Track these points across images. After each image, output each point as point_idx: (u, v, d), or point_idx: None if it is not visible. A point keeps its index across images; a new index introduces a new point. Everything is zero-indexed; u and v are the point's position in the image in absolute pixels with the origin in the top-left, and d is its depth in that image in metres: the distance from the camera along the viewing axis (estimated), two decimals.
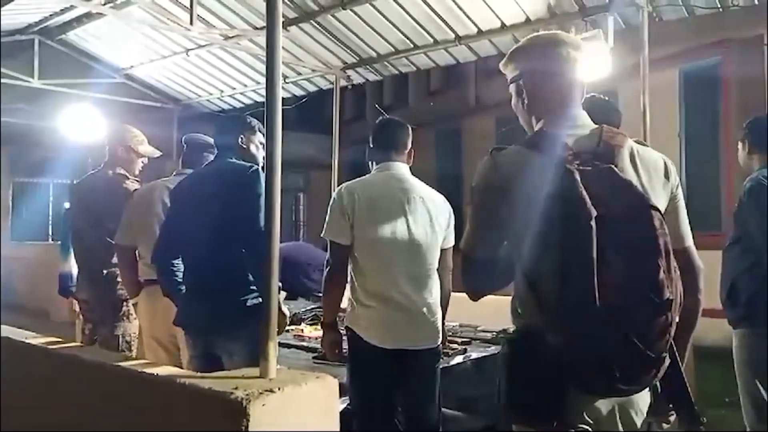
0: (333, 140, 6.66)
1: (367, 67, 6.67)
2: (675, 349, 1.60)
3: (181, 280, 2.86)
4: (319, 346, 3.31)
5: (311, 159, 11.85)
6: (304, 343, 3.75)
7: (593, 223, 1.43)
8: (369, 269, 2.77)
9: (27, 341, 2.52)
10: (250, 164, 2.78)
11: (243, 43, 6.65)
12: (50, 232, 12.10)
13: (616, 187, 1.51)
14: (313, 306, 4.75)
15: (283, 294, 2.66)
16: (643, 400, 1.64)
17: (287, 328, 3.34)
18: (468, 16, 5.47)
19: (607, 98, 2.62)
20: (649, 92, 4.54)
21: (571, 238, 1.45)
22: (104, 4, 5.83)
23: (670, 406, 1.70)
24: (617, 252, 1.44)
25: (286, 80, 7.13)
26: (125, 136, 3.82)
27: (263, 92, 1.89)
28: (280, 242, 1.89)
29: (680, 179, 1.75)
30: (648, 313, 1.45)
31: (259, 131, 2.90)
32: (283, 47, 2.39)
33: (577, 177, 1.48)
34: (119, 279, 3.59)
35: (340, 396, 2.08)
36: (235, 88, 7.88)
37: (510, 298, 1.71)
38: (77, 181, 4.15)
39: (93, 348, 3.35)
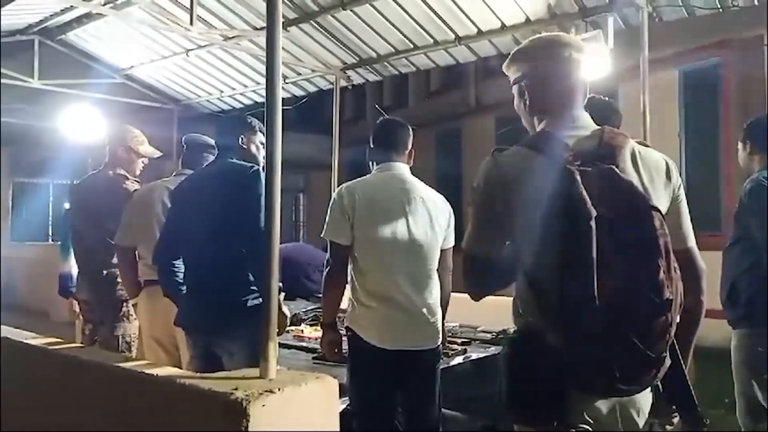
0: (333, 140, 6.66)
1: (367, 67, 6.67)
2: (678, 350, 1.61)
3: (181, 281, 2.86)
4: (318, 346, 3.31)
5: (311, 159, 11.85)
6: (304, 344, 3.75)
7: (593, 223, 1.43)
8: (369, 269, 2.77)
9: (27, 341, 2.52)
10: (250, 164, 2.78)
11: (243, 43, 6.66)
12: (50, 233, 12.11)
13: (617, 187, 1.51)
14: (313, 306, 4.75)
15: (282, 295, 2.66)
16: (644, 400, 1.64)
17: (287, 328, 3.34)
18: (468, 17, 5.47)
19: (607, 99, 2.62)
20: (649, 93, 4.55)
21: (571, 238, 1.46)
22: (104, 5, 5.83)
23: (673, 407, 1.71)
24: (617, 252, 1.45)
25: (286, 80, 7.13)
26: (125, 136, 3.82)
27: (263, 93, 1.89)
28: (280, 243, 1.89)
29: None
30: (648, 313, 1.46)
31: (260, 131, 2.90)
32: (283, 48, 2.39)
33: (578, 177, 1.49)
34: (119, 279, 3.59)
35: (340, 396, 2.08)
36: (235, 89, 7.89)
37: (510, 299, 1.71)
38: (77, 182, 4.15)
39: (93, 348, 3.35)
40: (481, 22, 5.52)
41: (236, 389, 1.62)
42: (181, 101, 8.57)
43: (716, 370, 3.11)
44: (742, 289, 2.96)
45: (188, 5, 5.69)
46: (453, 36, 5.76)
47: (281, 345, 2.90)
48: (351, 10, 5.68)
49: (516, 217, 1.60)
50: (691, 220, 1.74)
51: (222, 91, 8.03)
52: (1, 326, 2.68)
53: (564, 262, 1.47)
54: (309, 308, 4.74)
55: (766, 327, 2.86)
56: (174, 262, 2.88)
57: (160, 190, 3.47)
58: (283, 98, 1.96)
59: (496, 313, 3.05)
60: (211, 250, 2.69)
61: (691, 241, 1.71)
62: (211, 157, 3.42)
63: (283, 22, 3.60)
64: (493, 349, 3.60)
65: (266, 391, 1.63)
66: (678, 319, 1.51)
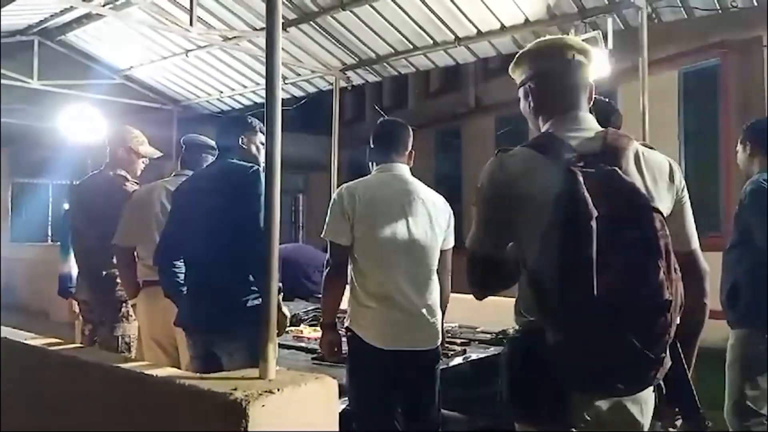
0: (332, 141, 6.66)
1: (367, 68, 6.68)
2: (681, 352, 1.62)
3: (182, 281, 2.86)
4: (318, 347, 3.31)
5: (311, 160, 11.85)
6: (304, 344, 3.75)
7: (593, 223, 1.44)
8: (369, 270, 2.77)
9: (27, 342, 2.51)
10: (250, 164, 2.78)
11: (242, 44, 6.66)
12: (49, 233, 12.10)
13: (619, 188, 1.52)
14: (312, 307, 4.75)
15: (280, 295, 2.67)
16: (646, 400, 1.64)
17: (287, 329, 3.34)
18: (467, 17, 5.48)
19: (607, 100, 2.62)
20: (648, 93, 4.55)
21: (571, 238, 1.47)
22: (104, 5, 5.83)
23: (676, 409, 1.71)
24: (617, 252, 1.46)
25: (286, 81, 7.14)
26: (125, 137, 3.82)
27: (263, 93, 1.89)
28: (280, 243, 1.89)
29: None
30: (647, 313, 1.47)
31: (261, 132, 2.90)
32: (282, 48, 2.39)
33: (580, 178, 1.50)
34: (119, 280, 3.59)
35: (340, 397, 2.08)
36: (234, 89, 7.89)
37: (510, 299, 1.72)
38: (77, 182, 4.15)
39: (92, 349, 3.35)
40: (481, 22, 5.52)
41: (236, 389, 1.62)
42: (181, 102, 8.57)
43: (716, 371, 3.11)
44: (742, 290, 2.97)
45: (188, 6, 5.69)
46: (452, 37, 5.76)
47: (281, 345, 2.90)
48: (350, 11, 5.69)
49: (519, 217, 1.62)
50: None
51: (221, 92, 8.03)
52: (1, 327, 2.68)
53: (564, 261, 1.48)
54: (309, 309, 4.74)
55: (765, 327, 2.88)
56: (175, 262, 2.88)
57: (159, 190, 3.48)
58: (282, 99, 1.96)
59: (496, 313, 3.06)
60: (211, 251, 2.69)
61: (695, 244, 1.72)
62: (210, 158, 3.43)
63: (282, 23, 3.60)
64: (492, 350, 3.60)
65: (266, 391, 1.62)
66: (678, 320, 1.52)
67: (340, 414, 1.92)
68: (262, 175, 1.98)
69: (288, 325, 3.00)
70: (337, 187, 2.95)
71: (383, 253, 2.75)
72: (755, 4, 4.73)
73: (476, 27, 5.59)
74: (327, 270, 2.81)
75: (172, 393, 1.80)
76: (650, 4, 4.76)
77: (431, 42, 5.94)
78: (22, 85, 7.36)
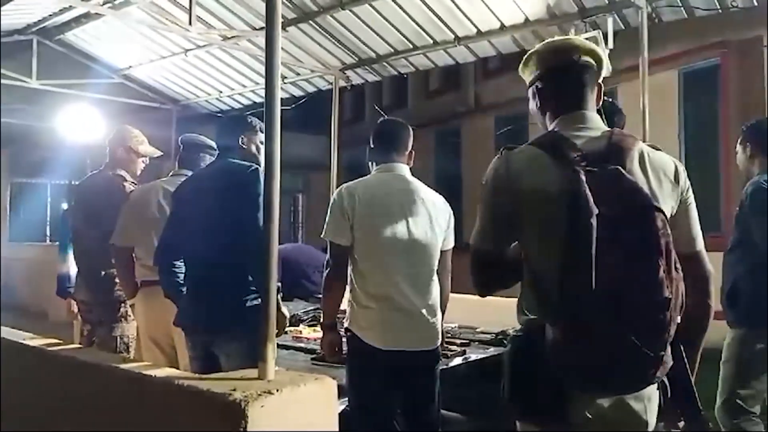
0: (332, 141, 6.66)
1: (366, 67, 6.67)
2: (685, 353, 1.62)
3: (182, 281, 2.85)
4: (317, 347, 3.31)
5: (310, 160, 11.85)
6: (303, 345, 3.74)
7: (593, 220, 1.46)
8: (369, 270, 2.76)
9: (25, 342, 2.51)
10: (250, 164, 2.77)
11: (242, 43, 6.66)
12: (48, 233, 12.09)
13: (621, 187, 1.53)
14: (312, 307, 4.75)
15: (279, 295, 2.66)
16: (650, 397, 1.64)
17: (286, 329, 3.33)
18: (467, 17, 5.47)
19: (610, 100, 2.62)
20: (648, 93, 4.55)
21: (572, 236, 1.48)
22: (103, 5, 5.83)
23: (679, 411, 1.72)
24: (618, 250, 1.47)
25: (285, 81, 7.13)
26: (125, 136, 3.82)
27: (262, 93, 1.89)
28: (279, 243, 1.88)
29: None
30: (646, 311, 1.48)
31: (261, 131, 2.89)
32: (282, 48, 2.39)
33: (583, 177, 1.52)
34: (117, 280, 3.59)
35: (339, 397, 2.07)
36: (233, 89, 7.89)
37: (509, 300, 1.73)
38: (77, 182, 4.15)
39: (91, 349, 3.35)
40: (481, 22, 5.52)
41: (235, 390, 1.62)
42: (180, 101, 8.57)
43: (714, 372, 3.11)
44: (743, 290, 2.97)
45: (187, 5, 5.69)
46: (452, 36, 5.76)
47: (280, 346, 2.90)
48: (350, 11, 5.69)
49: (522, 214, 1.64)
50: None
51: (221, 92, 8.03)
52: (0, 327, 2.67)
53: (564, 259, 1.49)
54: (308, 309, 4.73)
55: (765, 327, 2.88)
56: (175, 262, 2.87)
57: (156, 190, 3.47)
58: (282, 98, 1.96)
59: (495, 314, 3.05)
60: (211, 250, 2.68)
61: (700, 245, 1.73)
62: (209, 157, 3.43)
63: (282, 23, 3.60)
64: (492, 350, 3.60)
65: (265, 392, 1.62)
66: (678, 319, 1.53)
67: (340, 414, 1.91)
68: (262, 175, 1.97)
69: (287, 325, 2.99)
70: (337, 187, 2.94)
71: (383, 253, 2.75)
72: (755, 4, 4.73)
73: (476, 27, 5.59)
74: (327, 271, 2.80)
75: (171, 393, 1.80)
76: (650, 3, 4.75)
77: (431, 42, 5.94)
78: (21, 84, 7.35)
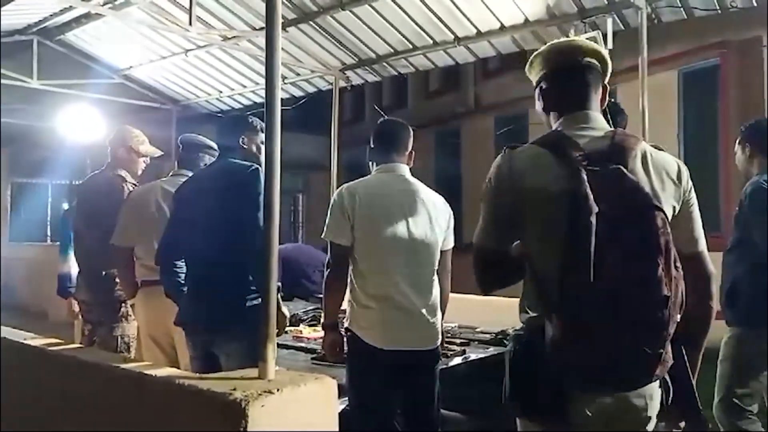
0: (332, 141, 6.66)
1: (366, 68, 6.67)
2: (686, 354, 1.62)
3: (183, 281, 2.86)
4: (317, 347, 3.31)
5: (310, 160, 11.86)
6: (303, 344, 3.74)
7: (593, 219, 1.47)
8: (369, 270, 2.76)
9: (26, 342, 2.51)
10: (250, 164, 2.78)
11: (242, 44, 6.66)
12: (48, 233, 12.09)
13: (622, 186, 1.55)
14: (312, 307, 4.75)
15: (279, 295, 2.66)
16: (651, 395, 1.65)
17: (286, 329, 3.34)
18: (467, 17, 5.47)
19: (613, 100, 2.63)
20: (648, 94, 4.55)
21: (572, 234, 1.49)
22: (103, 5, 5.83)
23: (679, 412, 1.72)
24: (617, 249, 1.47)
25: (285, 81, 7.13)
26: (125, 136, 3.82)
27: (262, 93, 1.89)
28: (279, 243, 1.89)
29: None
30: (644, 310, 1.49)
31: (262, 131, 2.90)
32: (282, 48, 2.39)
33: (584, 176, 1.53)
34: (117, 280, 3.59)
35: (339, 397, 2.07)
36: (233, 89, 7.88)
37: (510, 299, 1.73)
38: (79, 182, 4.15)
39: (92, 349, 3.35)
40: (480, 22, 5.52)
41: (235, 390, 1.62)
42: (180, 101, 8.56)
43: (713, 372, 3.12)
44: (742, 290, 2.98)
45: (187, 5, 5.69)
46: (452, 36, 5.76)
47: (280, 345, 2.90)
48: (350, 11, 5.68)
49: (524, 212, 1.65)
50: None
51: (221, 92, 8.03)
52: (1, 326, 2.68)
53: (564, 257, 1.50)
54: (308, 309, 4.73)
55: (765, 327, 2.88)
56: (176, 262, 2.88)
57: (156, 190, 3.47)
58: (282, 99, 1.96)
59: (495, 314, 3.06)
60: (211, 250, 2.69)
61: (702, 246, 1.75)
62: (208, 157, 3.44)
63: (282, 23, 3.60)
64: (492, 350, 3.60)
65: (265, 391, 1.62)
66: (678, 318, 1.53)
67: (340, 414, 1.92)
68: (262, 175, 1.98)
69: (287, 325, 2.99)
70: (337, 187, 2.94)
71: (383, 253, 2.75)
72: (755, 4, 4.73)
73: (476, 27, 5.58)
74: (327, 270, 2.80)
75: (171, 393, 1.80)
76: (650, 4, 4.75)
77: (431, 42, 5.94)
78: (21, 84, 7.35)
